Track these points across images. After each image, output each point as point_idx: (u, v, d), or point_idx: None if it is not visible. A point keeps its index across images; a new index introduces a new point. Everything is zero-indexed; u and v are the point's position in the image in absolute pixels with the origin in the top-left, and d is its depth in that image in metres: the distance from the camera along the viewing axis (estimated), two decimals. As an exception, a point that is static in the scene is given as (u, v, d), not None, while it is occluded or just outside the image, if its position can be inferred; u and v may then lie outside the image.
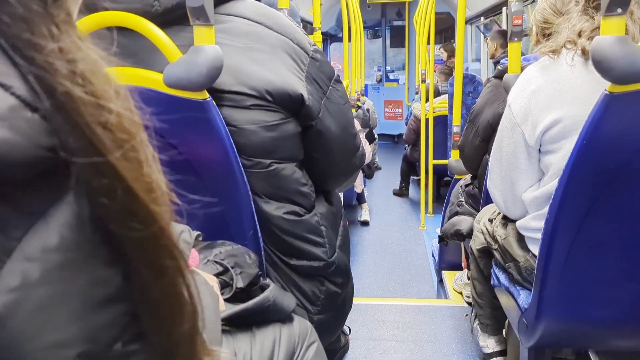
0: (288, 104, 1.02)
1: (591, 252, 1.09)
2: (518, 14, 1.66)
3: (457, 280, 2.59)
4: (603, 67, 0.91)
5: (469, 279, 2.49)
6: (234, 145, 1.00)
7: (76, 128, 0.30)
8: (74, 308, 0.31)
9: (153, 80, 0.95)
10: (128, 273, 0.34)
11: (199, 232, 0.98)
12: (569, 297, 1.15)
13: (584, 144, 0.98)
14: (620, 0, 0.88)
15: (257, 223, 1.07)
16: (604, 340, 1.25)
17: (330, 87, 1.11)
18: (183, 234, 0.92)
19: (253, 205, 1.05)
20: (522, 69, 1.60)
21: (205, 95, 0.96)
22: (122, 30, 0.96)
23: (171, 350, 0.39)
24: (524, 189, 1.31)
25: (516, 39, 1.69)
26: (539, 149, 1.23)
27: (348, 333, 1.94)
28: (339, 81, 1.15)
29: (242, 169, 1.02)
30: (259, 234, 1.08)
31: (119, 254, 0.34)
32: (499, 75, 2.11)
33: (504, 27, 4.39)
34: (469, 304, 2.33)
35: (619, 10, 0.89)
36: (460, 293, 2.51)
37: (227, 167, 1.00)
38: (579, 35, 1.12)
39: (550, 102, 1.14)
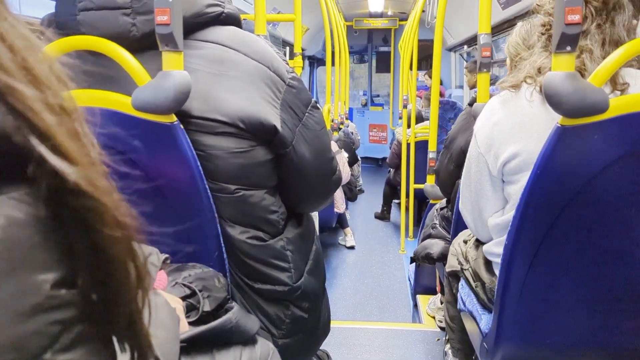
0: (260, 132, 1.03)
1: (547, 279, 1.12)
2: (486, 46, 1.71)
3: (431, 305, 2.61)
4: (554, 102, 0.95)
5: (442, 303, 2.51)
6: (200, 169, 1.02)
7: (17, 113, 0.31)
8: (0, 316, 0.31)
9: (121, 103, 0.97)
10: (63, 279, 0.34)
11: (167, 255, 0.99)
12: (527, 322, 1.17)
13: (538, 174, 1.01)
14: (569, 38, 0.93)
15: (222, 245, 1.08)
16: (562, 365, 1.28)
17: (306, 114, 1.12)
18: (151, 256, 0.93)
19: (219, 228, 1.07)
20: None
21: (173, 118, 0.98)
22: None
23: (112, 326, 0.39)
24: (490, 213, 1.35)
25: (485, 69, 1.75)
26: (502, 179, 1.26)
27: (326, 358, 1.93)
28: (315, 107, 1.16)
29: (209, 192, 1.04)
30: (225, 256, 1.09)
31: (55, 260, 0.34)
32: (473, 103, 2.16)
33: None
34: (442, 328, 2.35)
35: (568, 48, 0.93)
36: (434, 317, 2.52)
37: (194, 190, 1.02)
38: (539, 71, 1.16)
39: (510, 136, 1.18)
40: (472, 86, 4.17)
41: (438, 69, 2.71)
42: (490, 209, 1.34)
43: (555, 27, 0.94)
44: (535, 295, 1.14)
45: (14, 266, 0.32)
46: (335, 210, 4.24)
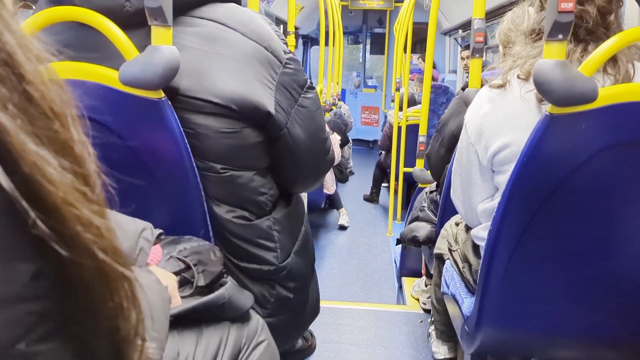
0: (253, 115, 1.03)
1: (530, 265, 1.14)
2: (480, 31, 1.71)
3: (415, 287, 2.64)
4: (544, 90, 0.96)
5: (426, 286, 2.54)
6: (188, 147, 1.01)
7: None
8: None
9: (109, 77, 0.96)
10: (43, 271, 0.33)
11: (161, 230, 0.98)
12: (508, 307, 1.19)
13: (524, 161, 1.02)
14: (562, 26, 0.92)
15: (208, 223, 1.08)
16: (540, 349, 1.30)
17: (301, 95, 1.12)
18: (145, 231, 0.92)
19: (205, 206, 1.07)
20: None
21: (161, 94, 0.97)
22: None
23: (94, 343, 0.38)
24: (479, 201, 1.36)
25: (477, 55, 1.74)
26: (492, 169, 1.27)
27: (310, 338, 1.96)
28: (311, 88, 1.16)
29: (196, 170, 1.03)
30: (211, 234, 1.09)
31: (35, 250, 0.33)
32: (465, 88, 2.16)
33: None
34: (425, 310, 2.38)
35: (560, 36, 0.93)
36: (418, 299, 2.55)
37: (180, 167, 1.02)
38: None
39: (499, 127, 1.18)
40: (470, 70, 4.15)
41: (431, 52, 2.70)
42: (480, 197, 1.35)
43: (547, 15, 0.94)
44: (517, 280, 1.15)
45: None
46: (325, 191, 4.25)
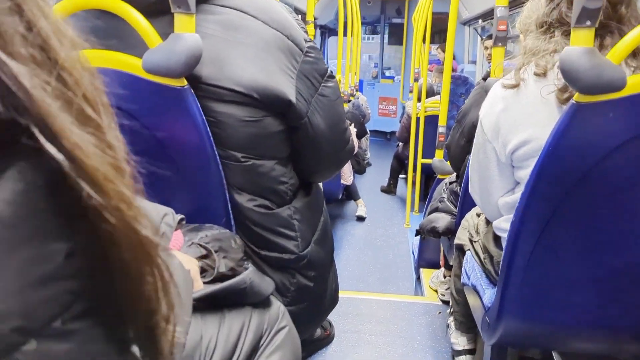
0: (274, 104, 1.03)
1: (552, 257, 1.12)
2: (503, 19, 1.68)
3: (434, 279, 2.62)
4: (571, 77, 0.94)
5: (444, 277, 2.52)
6: (210, 135, 1.01)
7: (18, 90, 0.30)
8: (9, 283, 0.30)
9: (132, 65, 0.97)
10: (76, 250, 0.33)
11: (182, 216, 0.99)
12: (530, 298, 1.18)
13: (549, 151, 1.00)
14: (589, 12, 0.90)
15: (230, 211, 1.08)
16: (562, 341, 1.29)
17: (322, 84, 1.12)
18: (166, 216, 0.93)
19: (227, 194, 1.07)
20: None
21: (183, 82, 0.97)
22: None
23: (125, 326, 0.39)
24: (498, 197, 1.35)
25: (500, 44, 1.72)
26: (512, 165, 1.25)
27: (329, 327, 1.97)
28: (331, 77, 1.16)
29: (218, 158, 1.04)
30: (232, 222, 1.10)
31: (69, 229, 0.33)
32: (487, 77, 2.13)
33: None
34: (444, 301, 2.37)
35: (588, 23, 0.91)
36: (436, 291, 2.54)
37: (202, 155, 1.02)
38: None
39: (517, 124, 1.16)
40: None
41: (452, 42, 2.67)
42: (499, 192, 1.34)
43: (575, 1, 0.91)
44: (539, 271, 1.14)
45: (32, 232, 0.32)
46: (343, 182, 4.24)
